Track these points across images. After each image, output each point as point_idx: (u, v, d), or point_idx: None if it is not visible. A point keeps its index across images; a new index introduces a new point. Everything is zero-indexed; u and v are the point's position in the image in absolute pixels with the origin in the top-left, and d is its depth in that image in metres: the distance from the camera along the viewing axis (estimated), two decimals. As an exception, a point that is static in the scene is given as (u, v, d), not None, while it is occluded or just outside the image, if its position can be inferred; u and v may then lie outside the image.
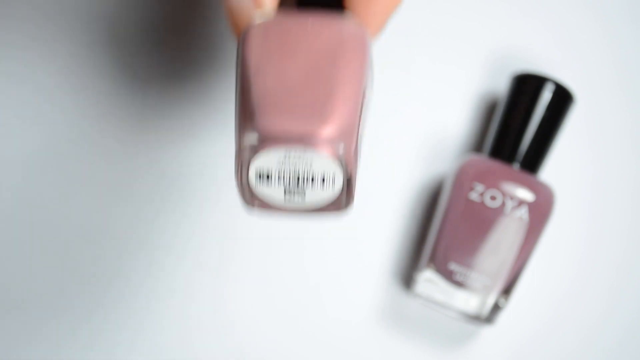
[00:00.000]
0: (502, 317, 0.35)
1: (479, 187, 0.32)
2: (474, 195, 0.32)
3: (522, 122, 0.33)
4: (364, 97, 0.23)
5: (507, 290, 0.33)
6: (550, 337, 0.37)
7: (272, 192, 0.22)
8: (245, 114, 0.21)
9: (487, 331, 0.36)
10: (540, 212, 0.32)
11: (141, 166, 0.36)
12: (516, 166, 0.33)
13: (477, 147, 0.36)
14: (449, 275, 0.32)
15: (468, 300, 0.33)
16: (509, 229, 0.32)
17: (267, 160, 0.21)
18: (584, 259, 0.37)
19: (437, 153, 0.36)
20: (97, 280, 0.36)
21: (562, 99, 0.33)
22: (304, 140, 0.21)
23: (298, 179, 0.21)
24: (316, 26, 0.23)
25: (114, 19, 0.36)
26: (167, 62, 0.36)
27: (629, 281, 0.37)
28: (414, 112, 0.37)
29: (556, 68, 0.36)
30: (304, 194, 0.22)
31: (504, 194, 0.32)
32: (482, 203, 0.32)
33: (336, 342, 0.36)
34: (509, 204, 0.32)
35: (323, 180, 0.21)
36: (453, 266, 0.32)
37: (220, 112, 0.36)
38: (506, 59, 0.37)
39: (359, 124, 0.22)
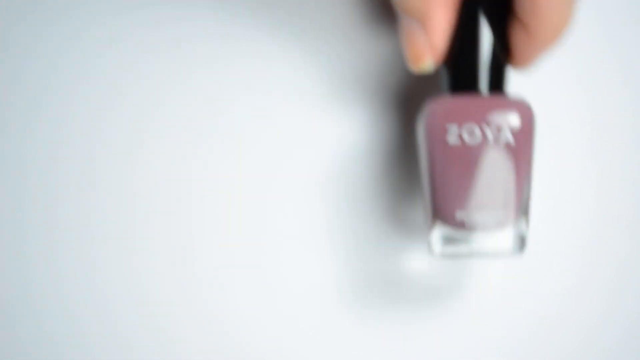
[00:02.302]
0: (502, 317, 0.36)
1: (453, 128, 0.30)
2: (451, 139, 0.30)
3: (469, 43, 0.31)
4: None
5: (524, 213, 0.32)
6: (549, 337, 0.37)
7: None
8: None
9: (486, 331, 0.37)
10: (523, 128, 0.31)
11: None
12: (481, 91, 0.31)
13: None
14: (460, 225, 0.31)
15: (489, 239, 0.31)
16: (499, 158, 0.31)
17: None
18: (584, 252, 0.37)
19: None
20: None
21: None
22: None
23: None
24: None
25: None
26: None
27: (629, 276, 0.37)
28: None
29: (556, 67, 0.36)
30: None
31: (480, 125, 0.30)
32: (463, 143, 0.30)
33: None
34: (490, 133, 0.30)
35: None
36: (460, 214, 0.31)
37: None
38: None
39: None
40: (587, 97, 0.37)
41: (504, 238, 0.31)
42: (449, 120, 0.30)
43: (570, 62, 0.36)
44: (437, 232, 0.32)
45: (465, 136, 0.30)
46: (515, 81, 0.36)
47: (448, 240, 0.31)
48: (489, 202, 0.31)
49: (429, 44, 0.28)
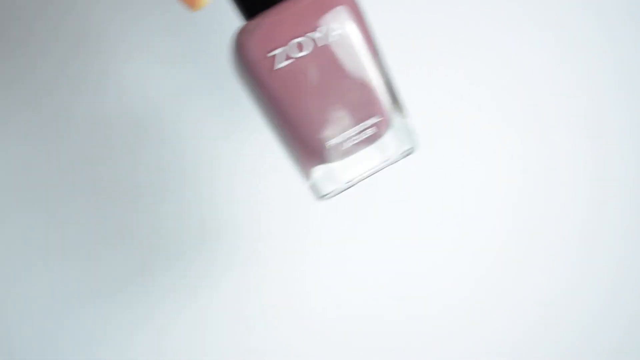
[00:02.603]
0: (501, 317, 0.35)
1: (277, 52, 0.26)
2: (280, 64, 0.26)
3: None
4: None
5: (395, 104, 0.27)
6: (546, 336, 0.37)
7: None
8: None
9: (485, 330, 0.36)
10: (338, 13, 0.26)
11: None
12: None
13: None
14: (340, 153, 0.27)
15: (379, 150, 0.27)
16: (339, 55, 0.26)
17: None
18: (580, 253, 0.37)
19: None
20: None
21: None
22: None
23: None
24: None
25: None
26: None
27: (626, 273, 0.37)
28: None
29: (555, 67, 0.37)
30: None
31: (303, 36, 0.26)
32: (295, 60, 0.26)
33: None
34: (318, 37, 0.26)
35: None
36: (333, 141, 0.27)
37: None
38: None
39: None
40: (586, 97, 0.37)
41: (391, 141, 0.28)
42: (269, 47, 0.26)
43: (569, 61, 0.37)
44: (318, 173, 0.27)
45: (294, 53, 0.26)
46: (512, 82, 0.36)
47: (332, 176, 0.27)
48: (355, 112, 0.27)
49: None
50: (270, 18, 0.26)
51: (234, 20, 0.28)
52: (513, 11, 0.37)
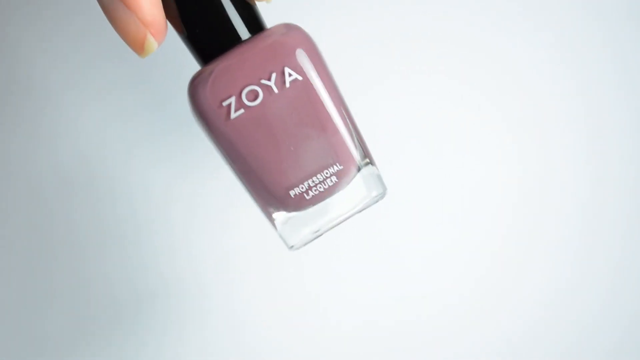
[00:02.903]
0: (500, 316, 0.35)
1: (231, 100, 0.25)
2: (235, 113, 0.25)
3: None
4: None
5: (364, 156, 0.27)
6: (544, 336, 0.37)
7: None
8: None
9: (485, 330, 0.36)
10: (294, 57, 0.25)
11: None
12: (239, 40, 0.25)
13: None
14: (304, 202, 0.26)
15: (347, 198, 0.26)
16: (296, 102, 0.25)
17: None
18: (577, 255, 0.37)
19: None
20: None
21: None
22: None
23: None
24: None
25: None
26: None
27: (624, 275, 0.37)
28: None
29: (556, 67, 0.36)
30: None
31: (257, 83, 0.25)
32: (249, 110, 0.24)
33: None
34: (273, 84, 0.25)
35: None
36: (295, 190, 0.26)
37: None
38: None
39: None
40: (585, 97, 0.36)
41: (358, 189, 0.26)
42: (221, 95, 0.25)
43: (568, 61, 0.36)
44: (283, 223, 0.26)
45: (247, 101, 0.25)
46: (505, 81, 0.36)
47: (300, 225, 0.26)
48: (318, 159, 0.26)
49: (140, 20, 0.23)
50: (222, 64, 0.25)
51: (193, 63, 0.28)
52: (510, 11, 0.37)
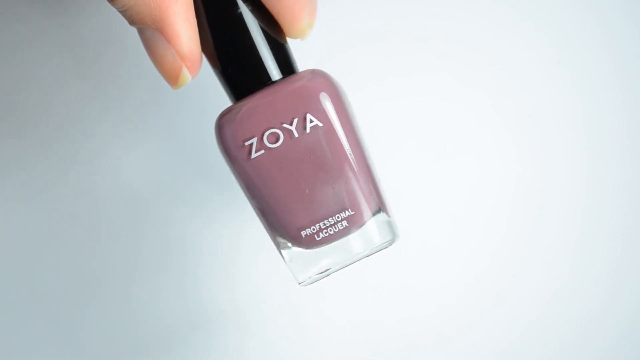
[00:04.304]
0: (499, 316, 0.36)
1: (253, 141, 0.25)
2: (256, 153, 0.26)
3: (228, 34, 0.26)
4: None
5: (379, 203, 0.27)
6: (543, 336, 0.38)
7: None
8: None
9: (484, 330, 0.37)
10: (318, 104, 0.26)
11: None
12: (269, 81, 0.26)
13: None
14: (312, 243, 0.27)
15: (355, 243, 0.27)
16: (314, 147, 0.26)
17: None
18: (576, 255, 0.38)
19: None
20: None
21: None
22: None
23: None
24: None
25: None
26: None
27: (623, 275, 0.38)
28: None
29: (555, 66, 0.37)
30: None
31: (279, 126, 0.25)
32: (269, 151, 0.25)
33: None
34: (294, 128, 0.26)
35: None
36: (307, 231, 0.27)
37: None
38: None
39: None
40: (584, 98, 0.36)
41: (369, 233, 0.27)
42: (243, 136, 0.25)
43: (568, 62, 0.37)
44: (293, 259, 0.27)
45: (268, 143, 0.26)
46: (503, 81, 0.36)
47: (308, 264, 0.27)
48: (333, 203, 0.26)
49: (177, 53, 0.24)
50: (248, 105, 0.25)
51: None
52: (510, 11, 0.36)
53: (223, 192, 0.36)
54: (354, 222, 0.27)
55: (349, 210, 0.26)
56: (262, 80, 0.26)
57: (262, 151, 0.25)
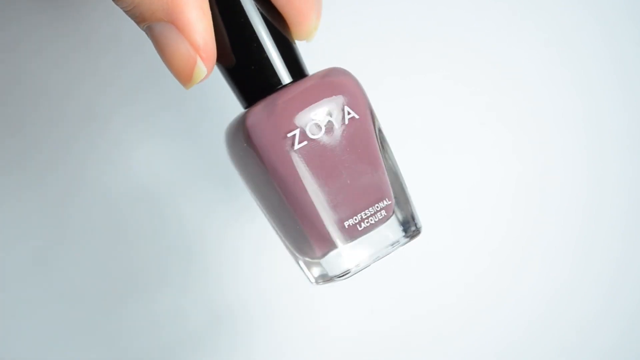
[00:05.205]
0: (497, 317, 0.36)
1: (296, 133, 0.25)
2: (299, 145, 0.25)
3: (243, 30, 0.25)
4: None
5: (402, 191, 0.28)
6: (543, 336, 0.38)
7: None
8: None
9: (483, 331, 0.37)
10: (351, 97, 0.26)
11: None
12: (296, 78, 0.26)
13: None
14: (354, 233, 0.26)
15: (388, 233, 0.27)
16: (352, 138, 0.26)
17: None
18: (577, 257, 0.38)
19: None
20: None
21: None
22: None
23: None
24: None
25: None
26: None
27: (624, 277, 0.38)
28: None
29: (555, 66, 0.37)
30: None
31: (320, 118, 0.25)
32: (312, 142, 0.25)
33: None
34: (334, 120, 0.26)
35: None
36: (349, 222, 0.26)
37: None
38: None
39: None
40: (583, 98, 0.37)
41: (402, 222, 0.27)
42: (290, 127, 0.25)
43: (567, 61, 0.37)
44: (335, 252, 0.26)
45: (310, 132, 0.25)
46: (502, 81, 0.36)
47: (349, 256, 0.26)
48: (372, 192, 0.27)
49: (192, 44, 0.22)
50: (283, 98, 0.25)
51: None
52: (508, 12, 0.36)
53: (233, 191, 0.36)
54: (390, 211, 0.27)
55: (387, 199, 0.27)
56: (298, 73, 0.26)
57: (305, 142, 0.25)
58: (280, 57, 0.25)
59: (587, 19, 0.36)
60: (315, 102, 0.25)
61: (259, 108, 0.25)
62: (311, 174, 0.25)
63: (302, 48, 0.27)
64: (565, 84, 0.37)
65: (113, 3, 0.22)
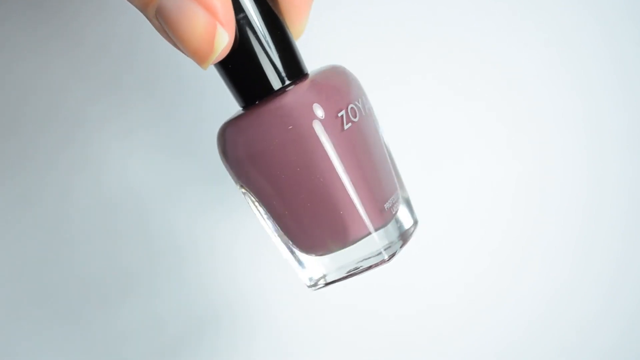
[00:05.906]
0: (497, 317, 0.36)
1: (343, 113, 0.24)
2: (347, 125, 0.24)
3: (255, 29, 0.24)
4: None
5: (399, 181, 0.28)
6: (543, 336, 0.38)
7: None
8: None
9: (482, 331, 0.37)
10: (362, 90, 0.27)
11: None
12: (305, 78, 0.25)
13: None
14: (389, 216, 0.26)
15: (405, 218, 0.27)
16: (373, 129, 0.26)
17: None
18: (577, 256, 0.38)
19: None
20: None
21: None
22: None
23: None
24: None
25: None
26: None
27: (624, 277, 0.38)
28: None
29: (555, 66, 0.37)
30: None
31: (354, 103, 0.25)
32: (355, 124, 0.25)
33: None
34: (362, 107, 0.25)
35: None
36: (387, 203, 0.26)
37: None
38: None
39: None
40: (582, 97, 0.37)
41: (410, 213, 0.27)
42: (339, 107, 0.24)
43: (567, 61, 0.36)
44: (383, 233, 0.25)
45: (352, 116, 0.25)
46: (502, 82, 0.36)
47: (391, 236, 0.26)
48: (392, 179, 0.26)
49: (209, 10, 0.20)
50: (329, 82, 0.24)
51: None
52: (507, 12, 0.36)
53: (228, 192, 0.36)
54: (397, 204, 0.27)
55: (397, 191, 0.27)
56: (299, 71, 0.25)
57: (350, 124, 0.24)
58: (295, 48, 0.25)
59: (587, 19, 0.36)
60: (347, 89, 0.25)
61: (302, 87, 0.24)
62: (355, 156, 0.24)
63: (303, 48, 0.27)
64: (565, 84, 0.37)
65: (105, 1, 0.22)
